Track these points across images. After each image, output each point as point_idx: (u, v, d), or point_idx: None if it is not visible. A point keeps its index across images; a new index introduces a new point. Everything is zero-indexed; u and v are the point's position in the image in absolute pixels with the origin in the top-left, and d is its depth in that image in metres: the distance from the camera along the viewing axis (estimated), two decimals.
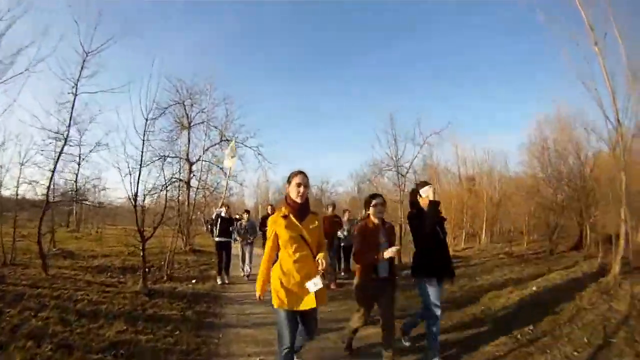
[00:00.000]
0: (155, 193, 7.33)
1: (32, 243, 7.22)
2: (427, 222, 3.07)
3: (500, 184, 15.25)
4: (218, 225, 7.11)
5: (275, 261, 2.52)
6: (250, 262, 7.70)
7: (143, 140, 5.16)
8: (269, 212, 8.04)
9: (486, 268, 8.09)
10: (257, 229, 8.14)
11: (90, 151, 11.02)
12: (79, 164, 13.36)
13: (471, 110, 34.92)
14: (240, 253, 7.86)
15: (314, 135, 48.19)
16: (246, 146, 14.85)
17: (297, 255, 2.37)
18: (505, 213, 14.25)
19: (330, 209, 7.98)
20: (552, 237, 10.31)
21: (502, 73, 38.17)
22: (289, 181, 2.48)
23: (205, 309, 4.89)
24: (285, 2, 49.58)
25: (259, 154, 14.96)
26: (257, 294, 2.53)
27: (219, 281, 6.89)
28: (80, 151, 12.15)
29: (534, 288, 5.42)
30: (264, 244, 7.23)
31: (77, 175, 13.85)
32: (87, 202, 12.47)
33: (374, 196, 3.20)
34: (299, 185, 2.42)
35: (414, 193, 3.35)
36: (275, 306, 2.37)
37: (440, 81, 41.63)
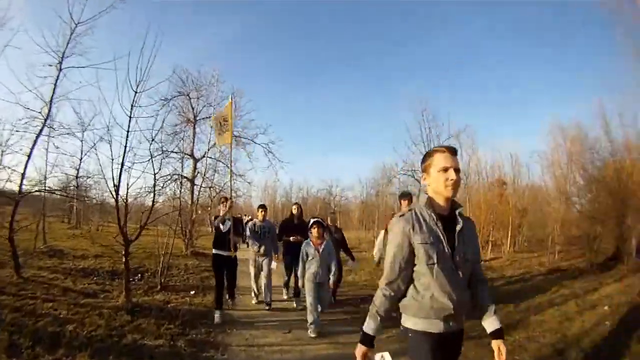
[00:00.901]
0: (152, 191, 6.22)
1: (21, 240, 6.25)
2: None
3: (527, 190, 13.96)
4: (216, 232, 5.07)
5: None
6: (270, 285, 5.30)
7: (130, 117, 4.15)
8: (295, 213, 5.96)
9: (529, 282, 7.20)
10: (277, 235, 5.72)
11: (93, 146, 10.38)
12: (80, 159, 13.10)
13: (487, 115, 33.60)
14: (252, 271, 5.52)
15: (322, 137, 47.14)
16: (256, 143, 13.98)
17: None
18: (531, 221, 12.99)
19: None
20: (592, 247, 9.25)
21: (519, 75, 36.83)
22: None
23: (203, 337, 3.78)
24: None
25: (269, 151, 14.03)
26: None
27: (216, 319, 4.43)
28: (82, 146, 12.41)
29: (606, 307, 4.63)
30: (291, 260, 5.25)
31: (78, 170, 13.24)
32: (82, 198, 11.66)
33: None
34: None
35: None
36: None
37: (458, 85, 40.47)
